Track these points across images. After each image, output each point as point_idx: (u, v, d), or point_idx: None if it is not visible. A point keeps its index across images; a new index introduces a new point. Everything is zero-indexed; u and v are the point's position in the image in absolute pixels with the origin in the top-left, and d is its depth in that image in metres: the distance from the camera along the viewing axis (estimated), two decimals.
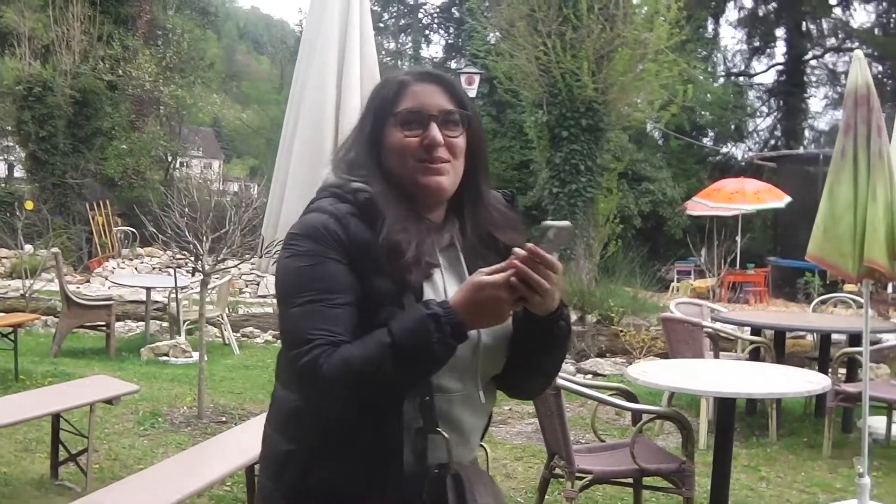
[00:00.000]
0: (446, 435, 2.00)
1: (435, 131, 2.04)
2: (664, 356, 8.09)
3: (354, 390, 1.89)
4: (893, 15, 28.75)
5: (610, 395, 5.03)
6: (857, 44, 31.08)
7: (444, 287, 2.05)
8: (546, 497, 5.11)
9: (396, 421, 1.97)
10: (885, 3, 30.11)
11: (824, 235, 5.23)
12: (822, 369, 7.84)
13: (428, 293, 2.00)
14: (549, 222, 1.88)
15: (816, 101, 35.06)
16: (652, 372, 5.32)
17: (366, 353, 1.87)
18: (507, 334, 2.06)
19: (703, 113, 28.69)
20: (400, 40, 40.41)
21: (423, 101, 2.06)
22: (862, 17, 33.11)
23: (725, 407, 5.20)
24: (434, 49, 40.15)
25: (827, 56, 32.08)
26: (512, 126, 25.86)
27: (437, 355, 1.88)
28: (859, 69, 5.32)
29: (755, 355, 8.01)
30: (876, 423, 7.91)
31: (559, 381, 4.64)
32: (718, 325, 8.28)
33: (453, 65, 34.45)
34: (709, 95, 28.59)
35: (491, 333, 2.03)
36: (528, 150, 17.14)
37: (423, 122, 2.05)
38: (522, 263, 1.85)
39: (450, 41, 38.06)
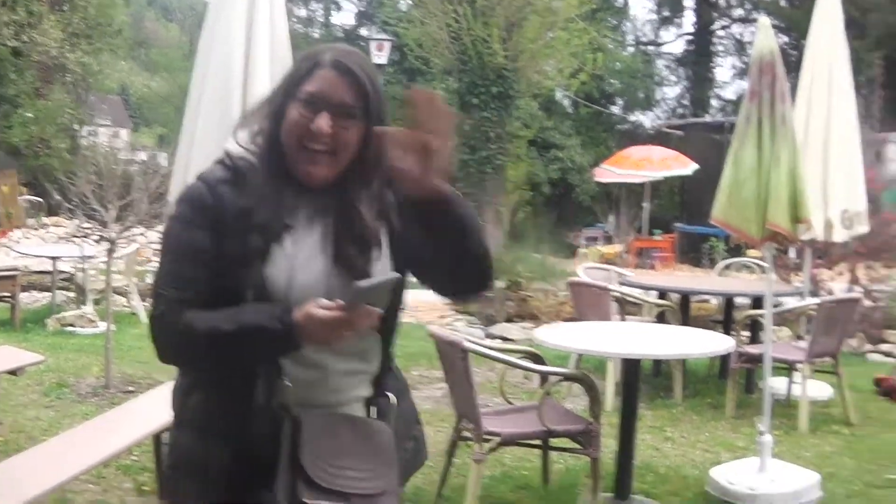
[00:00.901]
0: (289, 383, 2.10)
1: (322, 121, 2.08)
2: (572, 321, 8.15)
3: (191, 354, 2.12)
4: None
5: (518, 359, 5.06)
6: (763, 14, 31.61)
7: (295, 256, 2.12)
8: (454, 460, 5.13)
9: None
10: None
11: (729, 200, 5.33)
12: (727, 332, 8.00)
13: (278, 259, 2.09)
14: (360, 283, 1.97)
15: (724, 70, 35.63)
16: (559, 335, 5.37)
17: (207, 329, 2.04)
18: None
19: (612, 81, 28.93)
20: (311, 7, 39.92)
21: (325, 88, 2.10)
22: None
23: (631, 368, 5.28)
24: (345, 16, 39.81)
25: (734, 26, 32.60)
26: None
27: (265, 358, 2.08)
28: (765, 37, 5.40)
29: (661, 319, 8.12)
30: (777, 384, 8.09)
31: (467, 345, 4.66)
32: (625, 290, 8.37)
33: (364, 32, 34.21)
34: (618, 64, 28.83)
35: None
36: None
37: (317, 108, 2.09)
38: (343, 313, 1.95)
39: (361, 8, 37.72)
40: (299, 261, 2.11)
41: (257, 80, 5.49)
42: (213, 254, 2.08)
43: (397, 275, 2.06)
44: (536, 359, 5.07)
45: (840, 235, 7.72)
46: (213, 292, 2.07)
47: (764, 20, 5.64)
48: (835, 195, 7.53)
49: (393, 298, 2.18)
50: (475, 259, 2.18)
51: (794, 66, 7.88)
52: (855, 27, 26.38)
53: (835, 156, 7.59)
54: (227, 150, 2.22)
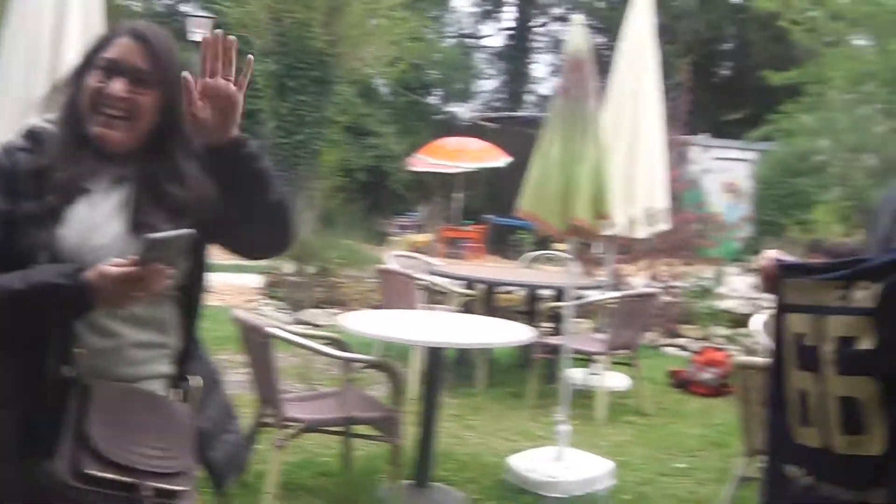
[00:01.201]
0: (82, 350, 2.06)
1: (116, 85, 2.11)
2: (381, 308, 8.15)
3: None
4: None
5: (322, 345, 5.01)
6: (582, 14, 32.39)
7: (92, 219, 2.10)
8: (256, 447, 5.05)
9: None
10: None
11: (535, 192, 5.42)
12: (530, 323, 8.14)
13: (73, 222, 2.08)
14: (150, 235, 1.94)
15: (541, 66, 36.23)
16: (363, 322, 5.36)
17: None
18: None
19: (431, 72, 29.07)
20: None
21: (121, 55, 2.14)
22: None
23: (434, 357, 5.31)
24: None
25: (553, 24, 33.21)
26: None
27: (56, 319, 2.03)
28: (578, 35, 5.50)
29: (467, 308, 8.22)
30: (578, 375, 8.30)
31: (268, 330, 4.59)
32: (433, 279, 8.42)
33: (184, 8, 33.30)
34: (438, 55, 29.01)
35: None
36: (256, 100, 16.96)
37: (111, 73, 2.13)
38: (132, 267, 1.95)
39: None
40: (95, 223, 2.09)
41: (67, 55, 5.30)
42: (5, 217, 2.05)
43: (190, 230, 2.02)
44: (340, 345, 5.04)
45: (642, 232, 7.97)
46: (6, 255, 2.03)
47: (578, 19, 5.76)
48: (639, 193, 7.76)
49: (193, 268, 2.20)
50: (275, 208, 2.20)
51: (609, 66, 8.08)
52: (666, 33, 27.45)
53: (640, 155, 7.82)
54: (29, 123, 2.24)
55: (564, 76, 5.51)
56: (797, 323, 2.59)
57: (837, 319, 2.46)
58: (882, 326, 2.37)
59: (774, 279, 2.66)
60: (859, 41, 14.97)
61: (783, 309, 2.66)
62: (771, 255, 2.68)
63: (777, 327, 2.68)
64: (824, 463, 2.54)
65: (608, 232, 7.75)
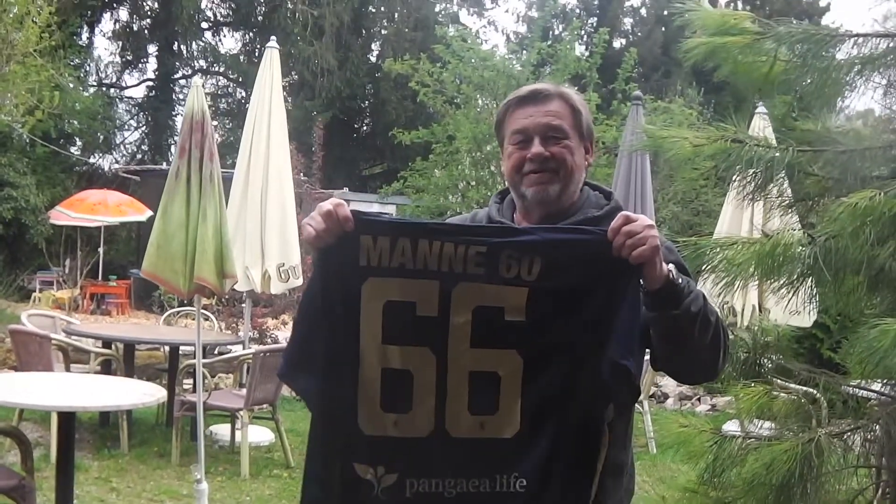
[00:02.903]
0: None
1: None
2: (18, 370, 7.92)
3: None
4: (258, 45, 30.37)
5: None
6: (223, 68, 32.62)
7: None
8: None
9: None
10: (251, 34, 31.88)
11: (157, 252, 5.47)
12: (171, 380, 8.18)
13: None
14: None
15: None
16: None
17: None
18: None
19: (71, 121, 28.14)
20: None
21: None
22: (230, 43, 34.60)
23: (66, 420, 5.23)
24: None
25: (196, 77, 33.09)
26: None
27: None
28: (196, 96, 5.69)
29: (107, 368, 8.08)
30: (222, 430, 8.41)
31: None
32: (69, 339, 8.28)
33: None
34: (78, 104, 28.18)
35: None
36: None
37: None
38: None
39: None
40: None
41: None
42: None
43: None
44: None
45: (277, 287, 8.16)
46: None
47: (197, 80, 5.99)
48: (270, 250, 7.92)
49: None
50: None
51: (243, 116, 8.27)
52: (306, 89, 28.24)
53: (271, 212, 7.98)
54: None
55: (183, 137, 5.61)
56: (392, 289, 2.21)
57: (478, 287, 2.20)
58: (536, 300, 2.20)
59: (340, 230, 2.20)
60: (484, 102, 16.13)
61: (363, 273, 2.20)
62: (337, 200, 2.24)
63: (349, 295, 2.22)
64: (424, 453, 2.25)
65: (242, 288, 8.01)
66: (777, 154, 3.73)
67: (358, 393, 2.23)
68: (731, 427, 4.72)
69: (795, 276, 3.59)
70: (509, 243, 2.20)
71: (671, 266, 2.22)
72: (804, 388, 4.45)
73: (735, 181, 3.97)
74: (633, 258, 2.13)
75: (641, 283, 2.20)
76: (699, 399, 11.90)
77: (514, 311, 2.20)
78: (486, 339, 2.21)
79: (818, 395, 4.45)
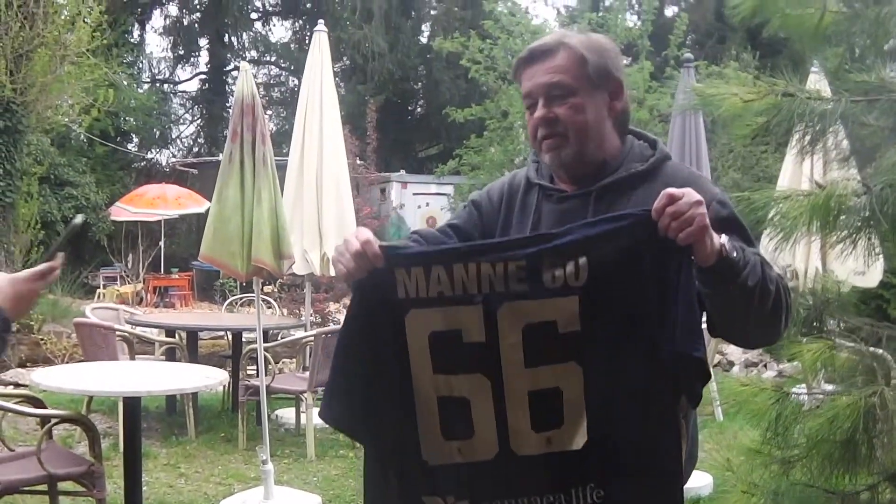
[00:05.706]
0: None
1: None
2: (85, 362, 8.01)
3: None
4: (308, 32, 30.38)
5: (15, 403, 4.96)
6: (275, 57, 32.78)
7: None
8: None
9: None
10: (300, 21, 31.96)
11: (214, 236, 5.50)
12: (235, 366, 8.24)
13: None
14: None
15: None
16: (56, 376, 5.27)
17: None
18: None
19: (127, 118, 28.45)
20: None
21: None
22: (280, 32, 34.72)
23: (131, 406, 5.26)
24: None
25: (244, 62, 33.10)
26: None
27: None
28: (245, 80, 5.70)
29: (171, 357, 8.17)
30: (287, 414, 8.46)
31: None
32: (132, 329, 8.37)
33: None
34: (133, 101, 28.44)
35: None
36: None
37: None
38: None
39: None
40: None
41: None
42: None
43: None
44: (36, 402, 5.02)
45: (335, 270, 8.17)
46: None
47: (245, 65, 5.98)
48: (328, 234, 7.90)
49: None
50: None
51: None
52: (359, 73, 28.26)
53: (327, 196, 7.98)
54: None
55: (234, 121, 5.63)
56: (435, 319, 2.13)
57: (523, 305, 2.10)
58: (589, 305, 2.09)
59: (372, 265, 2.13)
60: None
61: (404, 305, 2.13)
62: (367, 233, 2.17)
63: (393, 329, 2.15)
64: (492, 475, 2.17)
65: (302, 271, 8.03)
66: (829, 106, 3.60)
67: (419, 425, 2.17)
68: (798, 391, 4.64)
69: (853, 229, 3.46)
70: (548, 250, 2.10)
71: (724, 239, 2.06)
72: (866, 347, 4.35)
73: (794, 135, 3.84)
74: (682, 240, 2.00)
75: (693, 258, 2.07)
76: (766, 365, 11.73)
77: (568, 323, 2.10)
78: (541, 357, 2.12)
79: (882, 351, 4.35)
